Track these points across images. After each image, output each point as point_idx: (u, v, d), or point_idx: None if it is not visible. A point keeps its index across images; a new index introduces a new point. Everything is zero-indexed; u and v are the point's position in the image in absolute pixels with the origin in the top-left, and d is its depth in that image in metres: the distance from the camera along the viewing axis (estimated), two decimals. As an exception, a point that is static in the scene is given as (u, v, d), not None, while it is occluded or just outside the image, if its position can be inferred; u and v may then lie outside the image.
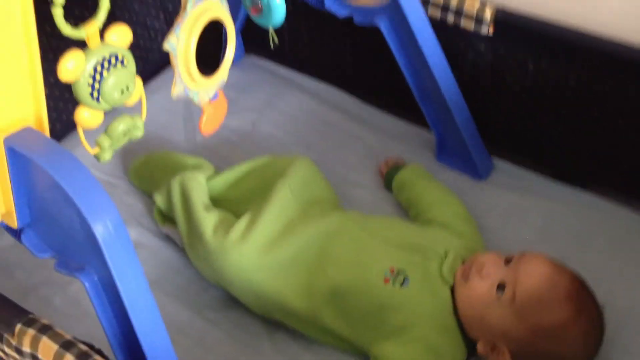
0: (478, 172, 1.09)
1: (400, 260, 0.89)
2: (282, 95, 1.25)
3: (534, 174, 1.08)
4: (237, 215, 0.98)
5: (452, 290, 0.86)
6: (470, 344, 0.86)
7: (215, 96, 0.89)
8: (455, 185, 1.08)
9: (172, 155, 1.10)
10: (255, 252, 0.90)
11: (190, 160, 1.07)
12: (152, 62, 1.24)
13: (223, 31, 0.87)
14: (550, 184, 1.07)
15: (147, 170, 1.09)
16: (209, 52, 0.86)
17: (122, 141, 0.78)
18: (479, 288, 0.83)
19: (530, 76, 0.98)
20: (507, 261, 0.85)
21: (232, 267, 0.89)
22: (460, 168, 1.11)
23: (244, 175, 1.05)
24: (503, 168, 1.10)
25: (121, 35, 0.72)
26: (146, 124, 0.77)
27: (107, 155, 0.78)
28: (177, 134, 1.18)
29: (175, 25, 0.77)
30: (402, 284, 0.86)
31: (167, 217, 1.02)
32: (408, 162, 1.10)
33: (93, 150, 0.77)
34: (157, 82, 1.24)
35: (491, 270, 0.84)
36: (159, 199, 1.01)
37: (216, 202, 1.01)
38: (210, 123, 0.91)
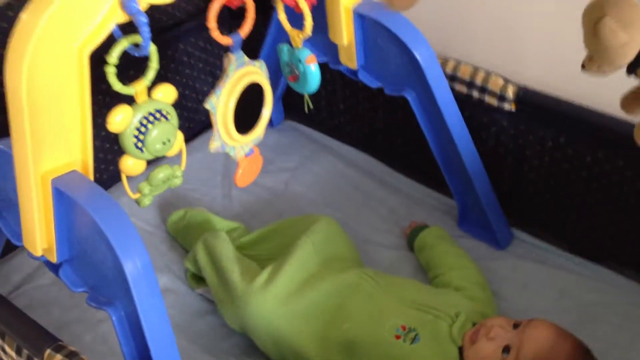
0: (498, 241, 1.11)
1: (412, 318, 0.91)
2: (315, 158, 1.30)
3: (551, 246, 1.10)
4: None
5: (461, 351, 0.88)
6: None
7: (251, 152, 0.94)
8: (474, 252, 1.10)
9: (207, 214, 1.15)
10: (275, 301, 0.94)
11: (224, 222, 1.13)
12: (197, 122, 1.32)
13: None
14: (566, 256, 1.08)
15: (183, 224, 1.14)
16: (251, 112, 0.92)
17: (162, 188, 0.84)
18: (485, 349, 0.85)
19: (549, 152, 1.01)
20: (516, 326, 0.86)
21: (253, 313, 0.93)
22: (480, 237, 1.13)
23: (273, 233, 1.10)
24: (522, 238, 1.12)
25: (166, 93, 0.79)
26: (187, 179, 0.83)
27: (147, 201, 0.84)
28: (215, 190, 1.24)
29: (217, 87, 0.84)
30: (412, 341, 0.88)
31: (200, 279, 1.06)
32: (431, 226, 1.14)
33: (134, 195, 0.82)
34: (200, 140, 1.31)
35: (499, 333, 0.85)
36: (189, 264, 1.06)
37: (247, 258, 1.05)
38: (244, 177, 0.96)
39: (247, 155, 0.94)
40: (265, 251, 1.08)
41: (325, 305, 0.94)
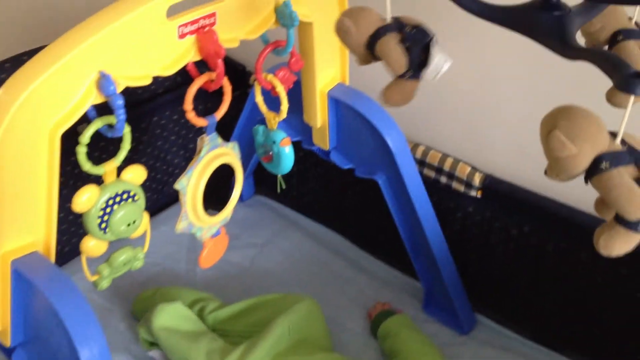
0: (461, 326, 1.08)
1: None
2: (284, 234, 1.27)
3: (514, 333, 1.07)
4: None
5: None
6: None
7: (218, 233, 0.91)
8: (438, 337, 1.07)
9: (179, 290, 1.09)
10: None
11: (196, 294, 1.08)
12: (166, 195, 1.28)
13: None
14: (528, 344, 1.05)
15: (152, 303, 1.09)
16: (219, 188, 0.89)
17: (122, 270, 0.79)
18: None
19: (514, 240, 1.00)
20: None
21: None
22: (444, 321, 1.10)
23: (253, 309, 1.05)
24: (485, 324, 1.09)
25: (136, 174, 0.75)
26: (151, 253, 0.79)
27: (105, 284, 0.79)
28: (179, 264, 1.19)
29: (188, 168, 0.81)
30: None
31: (153, 343, 1.00)
32: (395, 309, 1.10)
33: (92, 277, 0.78)
34: (168, 213, 1.27)
35: None
36: (142, 331, 1.00)
37: (222, 332, 1.01)
38: (209, 257, 0.92)
39: (213, 236, 0.91)
40: (242, 327, 1.03)
41: None
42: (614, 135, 0.47)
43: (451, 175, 1.02)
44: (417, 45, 0.60)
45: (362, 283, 1.18)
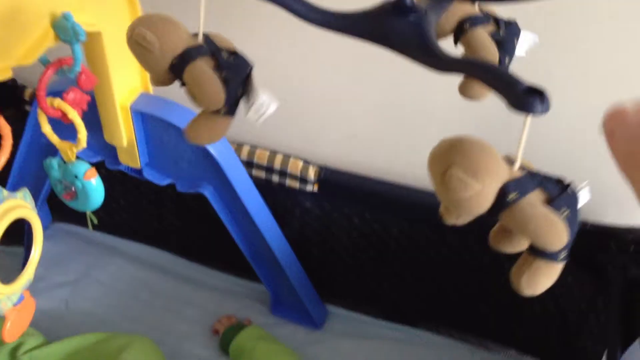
0: (314, 321, 1.03)
1: None
2: (99, 265, 1.10)
3: (367, 317, 1.05)
4: None
5: None
6: None
7: (21, 299, 0.74)
8: (293, 339, 1.01)
9: None
10: None
11: None
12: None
13: (26, 226, 0.74)
14: (383, 325, 1.03)
15: None
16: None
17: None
18: None
19: (356, 228, 0.96)
20: None
21: None
22: (296, 320, 1.04)
23: (76, 350, 0.89)
24: (338, 314, 1.05)
25: None
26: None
27: None
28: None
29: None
30: None
31: None
32: (244, 320, 1.02)
33: None
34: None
35: None
36: None
37: None
38: (14, 330, 0.74)
39: (15, 304, 0.73)
40: None
41: None
42: (509, 161, 0.42)
43: (283, 173, 0.94)
44: (237, 76, 0.48)
45: (202, 299, 1.07)
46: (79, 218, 1.14)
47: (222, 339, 0.98)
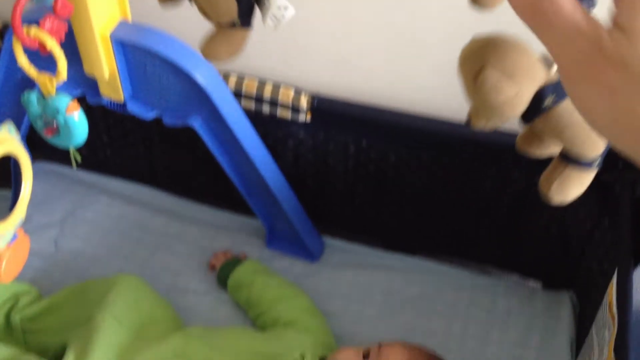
0: (311, 254, 1.02)
1: None
2: (85, 204, 1.06)
3: (365, 247, 1.04)
4: (54, 347, 0.84)
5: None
6: None
7: (15, 237, 0.71)
8: (290, 272, 1.00)
9: None
10: None
11: (10, 289, 0.88)
12: None
13: (12, 163, 0.70)
14: (381, 255, 1.02)
15: None
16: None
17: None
18: None
19: (353, 157, 0.93)
20: (365, 356, 0.79)
21: None
22: (292, 252, 1.03)
23: (62, 302, 0.88)
24: (334, 245, 1.04)
25: None
26: None
27: None
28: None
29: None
30: None
31: None
32: (239, 255, 1.01)
33: None
34: None
35: None
36: None
37: (33, 332, 0.85)
38: (10, 269, 0.72)
39: (9, 243, 0.71)
40: (55, 323, 0.86)
41: None
42: (546, 63, 0.39)
43: (274, 103, 0.90)
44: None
45: (194, 235, 1.04)
46: (60, 156, 1.10)
47: (220, 274, 0.97)
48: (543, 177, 0.41)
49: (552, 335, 0.88)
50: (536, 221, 0.89)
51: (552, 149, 0.43)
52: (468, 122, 0.41)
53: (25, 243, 0.75)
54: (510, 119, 0.40)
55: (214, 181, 1.04)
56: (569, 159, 0.39)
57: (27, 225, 0.98)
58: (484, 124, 0.41)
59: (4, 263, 0.71)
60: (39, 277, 0.96)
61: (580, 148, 0.38)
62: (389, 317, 0.94)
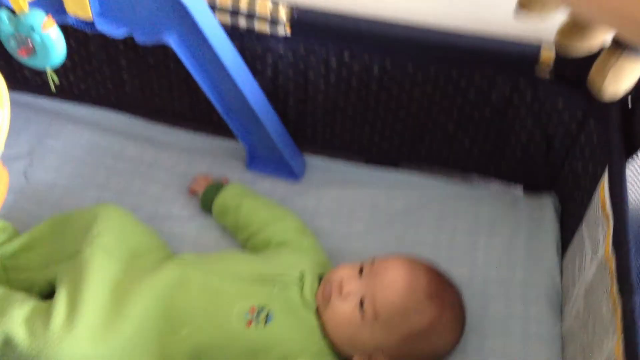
0: (293, 173, 1.01)
1: (258, 295, 0.78)
2: (53, 133, 1.02)
3: (348, 164, 1.04)
4: (39, 284, 0.82)
5: (317, 312, 0.79)
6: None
7: (-7, 171, 0.68)
8: (274, 192, 0.99)
9: None
10: (90, 338, 0.73)
11: None
12: None
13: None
14: (364, 171, 1.03)
15: None
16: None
17: None
18: (342, 310, 0.76)
19: (335, 71, 0.91)
20: (361, 271, 0.80)
21: None
22: (274, 173, 1.02)
23: (43, 236, 0.86)
24: (317, 165, 1.03)
25: None
26: None
27: None
28: None
29: None
30: (265, 321, 0.76)
31: None
32: (221, 179, 0.99)
33: None
34: None
35: (350, 288, 0.77)
36: None
37: (15, 269, 0.83)
38: (-6, 201, 0.69)
39: (-11, 176, 0.67)
40: (38, 260, 0.84)
41: (153, 320, 0.76)
42: None
43: (251, 15, 0.86)
44: None
45: (171, 161, 1.02)
46: (20, 84, 1.04)
47: (203, 199, 0.96)
48: (594, 71, 0.41)
49: (538, 238, 0.92)
50: (520, 127, 0.91)
51: (594, 40, 0.42)
52: (519, 6, 0.40)
53: (4, 175, 0.71)
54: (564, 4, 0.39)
55: (188, 104, 1.01)
56: (623, 47, 0.39)
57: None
58: (538, 10, 0.40)
59: (-15, 197, 0.68)
60: (12, 211, 0.93)
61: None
62: (377, 232, 0.95)
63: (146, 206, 0.96)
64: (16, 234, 0.88)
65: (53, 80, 0.73)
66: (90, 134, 1.03)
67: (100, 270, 0.78)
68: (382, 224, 0.96)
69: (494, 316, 0.85)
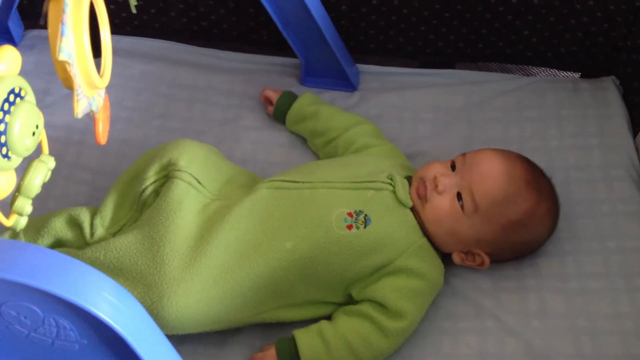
0: (351, 83, 1.05)
1: (353, 202, 0.83)
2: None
3: (402, 69, 1.08)
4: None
5: (413, 211, 0.85)
6: (444, 256, 0.86)
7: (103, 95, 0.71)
8: (335, 103, 1.03)
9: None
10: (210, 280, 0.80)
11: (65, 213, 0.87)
12: None
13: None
14: (420, 72, 1.07)
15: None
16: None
17: (38, 191, 0.60)
18: (442, 205, 0.82)
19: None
20: (453, 166, 0.85)
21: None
22: (330, 86, 1.06)
23: (125, 187, 0.89)
24: (371, 72, 1.07)
25: (11, 61, 0.52)
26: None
27: (24, 221, 0.60)
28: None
29: (61, 26, 0.58)
30: (365, 224, 0.82)
31: None
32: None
33: (9, 221, 0.58)
34: None
35: (446, 183, 0.83)
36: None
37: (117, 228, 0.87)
38: (105, 130, 0.73)
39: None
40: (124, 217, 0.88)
41: (251, 240, 0.82)
42: None
43: None
44: None
45: (226, 84, 1.05)
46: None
47: (278, 105, 1.00)
48: None
49: (607, 119, 0.98)
50: (582, 4, 0.94)
51: None
52: None
53: (107, 103, 0.75)
54: None
55: (235, 22, 1.02)
56: None
57: (49, 97, 0.97)
58: None
59: (100, 126, 0.71)
60: (80, 147, 0.96)
61: None
62: (444, 133, 1.00)
63: (212, 130, 1.00)
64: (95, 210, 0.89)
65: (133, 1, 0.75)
66: (138, 65, 1.06)
67: (193, 207, 0.83)
68: (448, 124, 1.01)
69: (580, 200, 0.92)
